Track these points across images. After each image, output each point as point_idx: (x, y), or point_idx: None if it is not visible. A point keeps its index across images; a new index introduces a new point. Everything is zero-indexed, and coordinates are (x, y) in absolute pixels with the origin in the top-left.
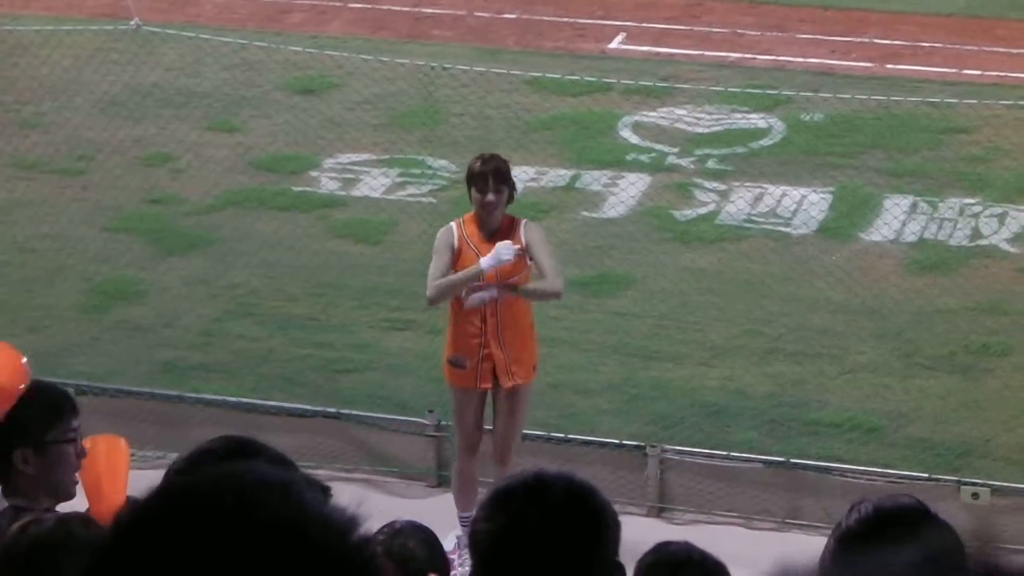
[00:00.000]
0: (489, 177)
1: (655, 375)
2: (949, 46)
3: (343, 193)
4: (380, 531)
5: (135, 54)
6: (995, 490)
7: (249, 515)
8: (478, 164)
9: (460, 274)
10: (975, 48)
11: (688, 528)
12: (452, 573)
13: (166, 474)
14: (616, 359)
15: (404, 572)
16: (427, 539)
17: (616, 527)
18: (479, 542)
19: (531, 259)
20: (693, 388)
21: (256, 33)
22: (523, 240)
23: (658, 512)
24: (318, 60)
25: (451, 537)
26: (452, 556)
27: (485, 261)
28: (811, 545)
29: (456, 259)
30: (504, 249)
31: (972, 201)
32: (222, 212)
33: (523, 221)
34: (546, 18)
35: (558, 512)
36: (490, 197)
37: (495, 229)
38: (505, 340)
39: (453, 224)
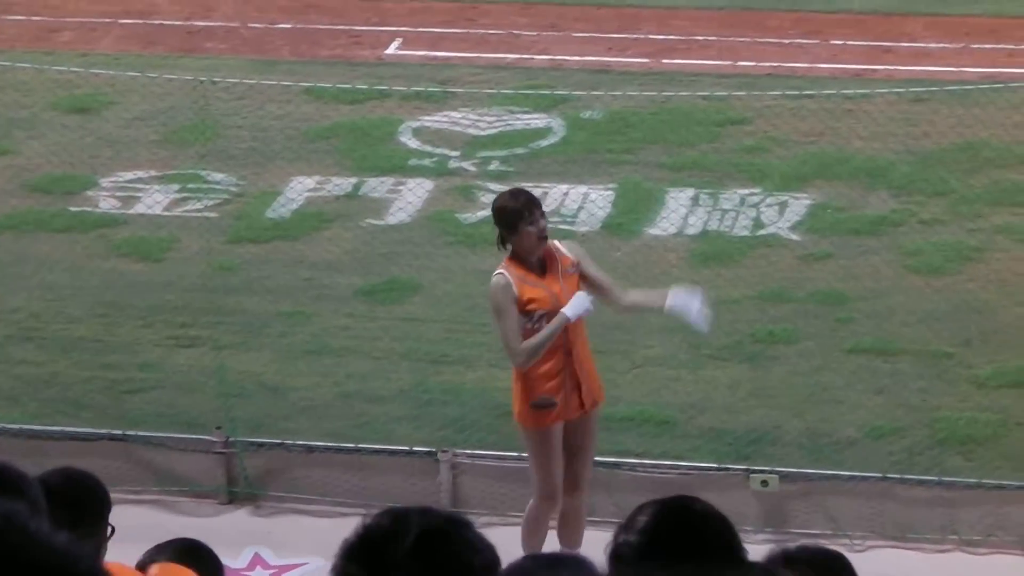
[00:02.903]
0: (534, 207)
1: (446, 379)
2: (723, 39)
3: (122, 211)
4: (147, 551)
5: None
6: (784, 476)
7: None
8: (518, 199)
9: (548, 330)
10: (748, 40)
11: (484, 531)
12: None
13: None
14: (407, 365)
15: None
16: (196, 555)
17: (490, 564)
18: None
19: (583, 275)
20: (484, 390)
21: (26, 53)
22: (570, 256)
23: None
24: (88, 79)
25: (247, 553)
26: (247, 573)
27: (570, 311)
28: (603, 541)
29: (523, 307)
30: (584, 299)
31: (752, 191)
32: None
33: (555, 243)
34: (321, 26)
35: (414, 558)
36: (542, 223)
37: (541, 258)
38: (582, 369)
39: (503, 274)
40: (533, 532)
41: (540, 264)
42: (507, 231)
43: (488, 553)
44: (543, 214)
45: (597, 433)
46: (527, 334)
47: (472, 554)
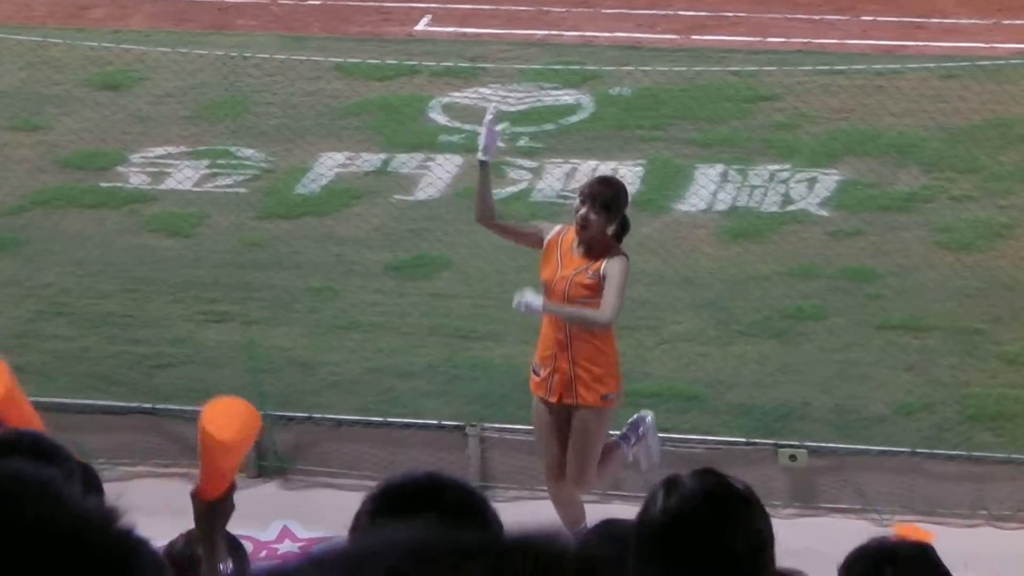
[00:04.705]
0: (593, 197)
1: (475, 355)
2: (753, 15)
3: (152, 187)
4: (179, 536)
5: None
6: (812, 451)
7: (4, 511)
8: (593, 180)
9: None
10: (778, 16)
11: (511, 505)
12: None
13: None
14: (435, 341)
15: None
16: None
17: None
18: (360, 520)
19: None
20: (513, 366)
21: (57, 30)
22: (602, 271)
23: (481, 491)
24: (119, 55)
25: (275, 525)
26: (276, 545)
27: (521, 297)
28: (631, 515)
29: (544, 253)
30: (533, 299)
31: (781, 168)
32: (30, 212)
33: (616, 254)
34: (351, 3)
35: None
36: (582, 212)
37: (589, 248)
38: (574, 355)
39: (560, 225)
40: (553, 505)
41: (585, 251)
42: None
43: (491, 507)
44: (596, 209)
45: (585, 433)
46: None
47: (485, 505)
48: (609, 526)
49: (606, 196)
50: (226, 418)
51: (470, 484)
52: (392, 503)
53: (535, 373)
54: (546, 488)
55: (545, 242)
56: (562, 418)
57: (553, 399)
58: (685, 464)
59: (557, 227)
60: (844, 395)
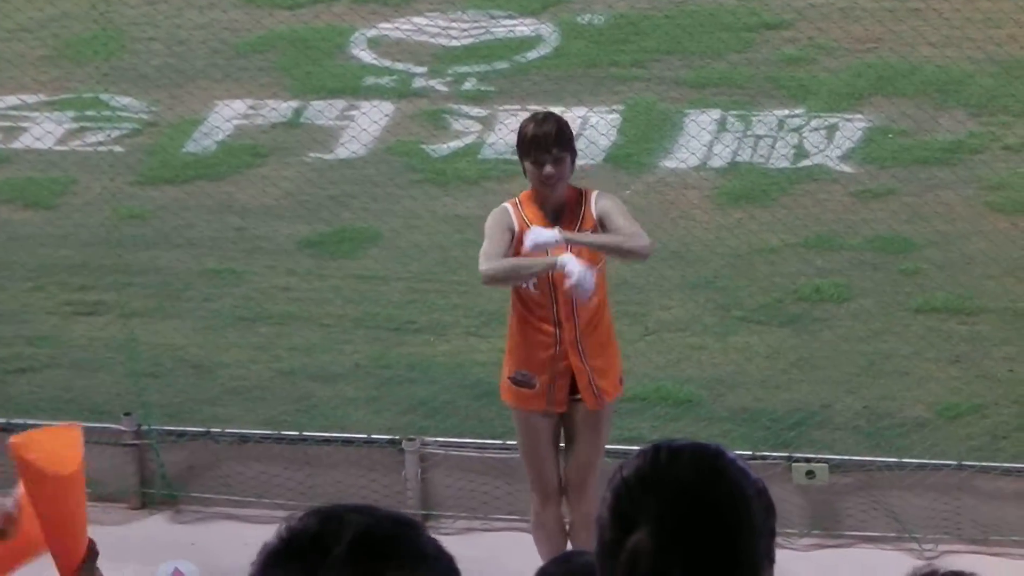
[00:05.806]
0: (548, 142)
1: (412, 351)
2: None
3: (2, 146)
4: None
5: None
6: (834, 466)
7: None
8: (531, 127)
9: (533, 262)
10: None
11: (462, 538)
12: None
13: None
14: (363, 335)
15: None
16: None
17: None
18: None
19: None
20: (460, 364)
21: None
22: (595, 214)
23: (423, 521)
24: None
25: (165, 569)
26: None
27: (569, 266)
28: None
29: (517, 244)
30: (588, 275)
31: (792, 113)
32: None
33: (594, 193)
34: None
35: (348, 568)
36: (548, 170)
37: (559, 207)
38: (586, 348)
39: (508, 205)
40: (539, 538)
41: (555, 216)
42: (520, 159)
43: (442, 562)
44: (558, 159)
45: (602, 432)
46: (515, 296)
47: (419, 562)
48: (571, 559)
49: (563, 132)
50: (53, 450)
51: (403, 520)
52: (289, 559)
53: (522, 385)
54: (503, 516)
55: (515, 227)
56: (556, 425)
57: (560, 409)
58: None
59: (508, 207)
60: (874, 395)
